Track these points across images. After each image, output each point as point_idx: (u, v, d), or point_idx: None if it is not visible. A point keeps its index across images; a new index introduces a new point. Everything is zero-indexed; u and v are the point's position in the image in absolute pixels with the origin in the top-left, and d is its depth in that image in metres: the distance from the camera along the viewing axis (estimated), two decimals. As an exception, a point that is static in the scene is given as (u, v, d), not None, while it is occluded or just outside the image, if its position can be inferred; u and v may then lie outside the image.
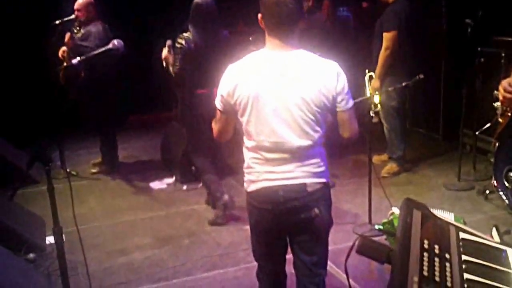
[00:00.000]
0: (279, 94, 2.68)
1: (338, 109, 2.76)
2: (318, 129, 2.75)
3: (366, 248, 1.65)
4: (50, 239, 4.74)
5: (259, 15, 2.73)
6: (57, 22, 6.11)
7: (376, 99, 5.90)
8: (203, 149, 5.22)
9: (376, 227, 4.53)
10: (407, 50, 5.93)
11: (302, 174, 2.77)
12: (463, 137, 6.12)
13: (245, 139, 2.84)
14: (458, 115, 5.86)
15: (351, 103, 2.79)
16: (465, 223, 2.90)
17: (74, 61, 4.62)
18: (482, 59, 5.83)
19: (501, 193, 5.07)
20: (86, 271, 3.60)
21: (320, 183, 2.80)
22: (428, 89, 7.14)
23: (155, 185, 6.32)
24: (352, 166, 6.60)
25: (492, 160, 5.31)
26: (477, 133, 6.08)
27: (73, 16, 6.22)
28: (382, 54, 5.89)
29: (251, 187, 2.86)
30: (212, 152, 5.42)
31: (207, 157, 5.30)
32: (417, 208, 1.68)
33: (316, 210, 2.79)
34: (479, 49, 6.05)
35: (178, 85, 5.21)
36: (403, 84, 5.40)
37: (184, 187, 6.17)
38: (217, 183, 5.27)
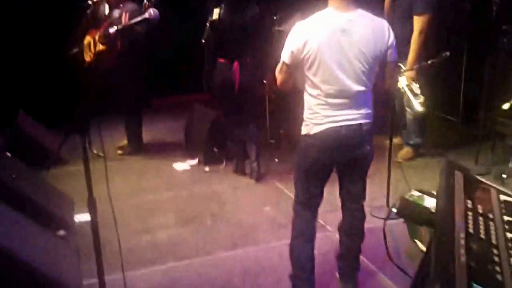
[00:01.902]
0: (342, 48, 3.17)
1: (388, 59, 3.34)
2: (371, 77, 3.30)
3: (408, 209, 1.68)
4: (78, 217, 4.94)
5: None
6: (90, 1, 6.13)
7: (417, 88, 5.60)
8: (231, 113, 5.80)
9: (394, 210, 4.63)
10: (431, 32, 5.70)
11: (359, 116, 3.31)
12: (483, 121, 6.13)
13: (309, 89, 3.32)
14: (478, 98, 5.82)
15: (396, 56, 3.37)
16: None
17: (111, 30, 4.56)
18: (505, 39, 5.72)
19: (518, 176, 5.05)
20: (114, 249, 3.69)
21: (370, 123, 3.38)
22: (448, 70, 7.01)
23: (179, 166, 6.46)
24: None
25: (511, 143, 5.31)
26: (498, 115, 6.03)
27: None
28: (416, 39, 5.64)
29: (316, 129, 3.33)
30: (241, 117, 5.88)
31: (237, 123, 5.85)
32: (459, 170, 1.70)
33: (368, 147, 3.41)
34: (504, 27, 5.86)
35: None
36: (429, 61, 5.09)
37: (207, 169, 6.31)
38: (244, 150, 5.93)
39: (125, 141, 7.05)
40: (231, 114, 5.87)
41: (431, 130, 7.03)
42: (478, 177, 1.75)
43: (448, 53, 4.98)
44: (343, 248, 3.76)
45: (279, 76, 3.42)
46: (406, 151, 6.29)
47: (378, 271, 4.06)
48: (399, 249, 4.29)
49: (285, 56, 3.29)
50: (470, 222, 1.48)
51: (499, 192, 1.70)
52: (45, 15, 7.82)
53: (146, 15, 4.44)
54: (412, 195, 4.24)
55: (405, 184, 5.02)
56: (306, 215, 3.61)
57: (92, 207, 3.04)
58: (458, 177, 1.69)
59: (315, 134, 3.35)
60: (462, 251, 1.33)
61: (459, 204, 1.53)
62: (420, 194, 4.05)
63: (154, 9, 4.49)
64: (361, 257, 3.83)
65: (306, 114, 3.41)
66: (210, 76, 5.73)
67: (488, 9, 5.49)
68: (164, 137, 7.70)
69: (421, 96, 5.58)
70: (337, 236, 3.86)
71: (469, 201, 1.57)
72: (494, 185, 1.75)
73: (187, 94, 8.96)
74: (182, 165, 6.47)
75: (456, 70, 7.21)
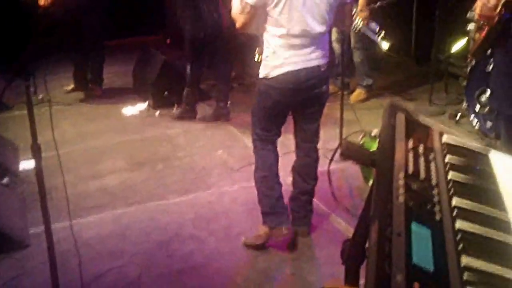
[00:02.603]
0: None
1: (347, 1, 3.53)
2: (331, 18, 3.39)
3: (351, 151, 1.69)
4: (23, 165, 4.77)
5: None
6: None
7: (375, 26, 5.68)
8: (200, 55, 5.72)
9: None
10: None
11: (317, 56, 3.40)
12: (436, 62, 6.13)
13: (271, 28, 3.33)
14: (431, 39, 5.82)
15: None
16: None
17: None
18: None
19: (472, 116, 5.08)
20: (61, 195, 3.61)
21: (327, 63, 3.49)
22: (400, 12, 6.98)
23: (128, 110, 6.30)
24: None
25: (464, 84, 5.33)
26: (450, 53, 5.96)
27: None
28: None
29: (275, 72, 3.38)
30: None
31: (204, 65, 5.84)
32: (401, 111, 1.72)
33: (324, 86, 3.53)
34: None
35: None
36: (377, 4, 5.23)
37: (157, 113, 6.17)
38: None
39: (71, 85, 6.85)
40: (200, 56, 5.70)
41: (386, 71, 7.05)
42: (419, 119, 1.75)
43: None
44: (296, 189, 3.75)
45: (240, 17, 3.38)
46: (358, 92, 6.28)
47: (331, 212, 4.06)
48: (353, 191, 4.29)
49: None
50: (411, 163, 1.48)
51: (442, 133, 1.69)
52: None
53: None
54: (364, 135, 4.27)
55: (359, 126, 5.00)
56: (268, 147, 3.66)
57: (36, 153, 2.90)
58: (400, 118, 1.68)
59: (275, 77, 3.39)
60: (401, 190, 1.33)
61: (400, 145, 1.53)
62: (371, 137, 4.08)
63: None
64: (314, 200, 3.82)
65: (265, 54, 3.42)
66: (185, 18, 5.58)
67: None
68: (113, 81, 7.45)
69: (382, 31, 5.66)
70: (290, 179, 3.83)
71: (410, 142, 1.57)
72: (436, 127, 1.76)
73: (137, 36, 8.74)
74: (131, 109, 6.31)
75: (408, 10, 7.15)
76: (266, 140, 3.65)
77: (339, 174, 4.42)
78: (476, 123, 5.06)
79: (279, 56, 3.36)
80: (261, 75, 3.47)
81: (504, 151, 2.01)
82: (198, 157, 5.12)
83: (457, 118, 5.45)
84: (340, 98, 4.92)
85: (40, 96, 6.15)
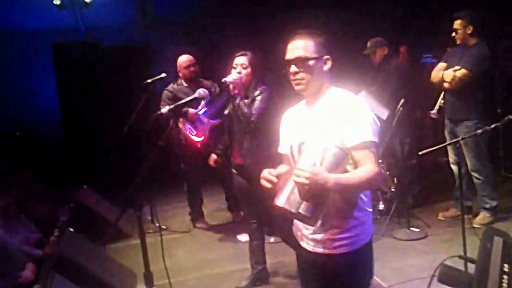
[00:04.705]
0: None
1: None
2: None
3: (448, 276, 1.60)
4: (140, 292, 4.83)
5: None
6: (149, 80, 6.11)
7: None
8: None
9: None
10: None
11: None
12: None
13: None
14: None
15: None
16: None
17: (164, 110, 4.66)
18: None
19: None
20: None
21: None
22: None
23: (243, 237, 6.29)
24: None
25: None
26: None
27: (163, 75, 6.15)
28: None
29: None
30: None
31: None
32: (499, 235, 1.65)
33: None
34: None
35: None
36: (492, 126, 4.96)
37: (272, 239, 6.11)
38: None
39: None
40: None
41: (509, 193, 6.71)
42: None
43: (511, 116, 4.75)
44: None
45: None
46: (483, 216, 5.95)
47: None
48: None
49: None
50: (505, 285, 1.54)
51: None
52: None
53: (196, 94, 4.62)
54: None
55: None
56: None
57: (148, 280, 2.94)
58: (497, 242, 1.61)
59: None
60: None
61: (495, 267, 1.46)
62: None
63: (203, 89, 4.66)
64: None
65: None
66: None
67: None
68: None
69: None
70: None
71: (505, 265, 1.50)
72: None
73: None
74: (246, 236, 6.28)
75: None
76: None
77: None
78: None
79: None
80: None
81: None
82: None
83: None
84: (461, 221, 4.69)
85: (157, 225, 6.32)
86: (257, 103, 4.59)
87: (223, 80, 4.56)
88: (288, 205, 2.51)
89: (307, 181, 2.44)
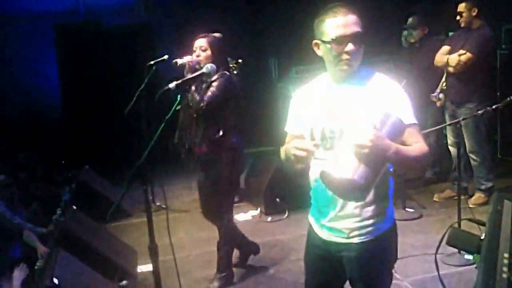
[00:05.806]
0: None
1: None
2: None
3: (457, 238, 1.67)
4: (141, 268, 4.94)
5: None
6: (151, 62, 6.01)
7: None
8: None
9: (466, 257, 4.44)
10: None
11: None
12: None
13: None
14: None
15: None
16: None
17: (171, 85, 4.57)
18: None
19: None
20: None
21: None
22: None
23: (240, 216, 6.41)
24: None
25: None
26: None
27: (166, 57, 5.92)
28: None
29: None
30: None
31: None
32: (509, 199, 1.72)
33: None
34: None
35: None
36: (493, 106, 5.01)
37: (269, 219, 6.23)
38: None
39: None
40: None
41: (505, 176, 6.80)
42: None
43: None
44: None
45: None
46: (477, 196, 6.06)
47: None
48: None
49: None
50: None
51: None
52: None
53: (204, 69, 4.23)
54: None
55: (478, 231, 4.80)
56: None
57: (153, 254, 3.02)
58: (507, 205, 1.70)
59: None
60: (505, 268, 1.46)
61: (506, 229, 1.55)
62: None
63: (211, 64, 4.30)
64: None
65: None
66: None
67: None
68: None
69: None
70: (406, 283, 3.71)
71: None
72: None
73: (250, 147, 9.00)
74: (243, 216, 6.42)
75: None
76: None
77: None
78: None
79: None
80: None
81: None
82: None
83: None
84: (457, 201, 4.83)
85: (158, 204, 6.43)
86: (212, 89, 4.32)
87: (174, 61, 4.37)
88: (340, 170, 2.25)
89: (369, 144, 2.21)
